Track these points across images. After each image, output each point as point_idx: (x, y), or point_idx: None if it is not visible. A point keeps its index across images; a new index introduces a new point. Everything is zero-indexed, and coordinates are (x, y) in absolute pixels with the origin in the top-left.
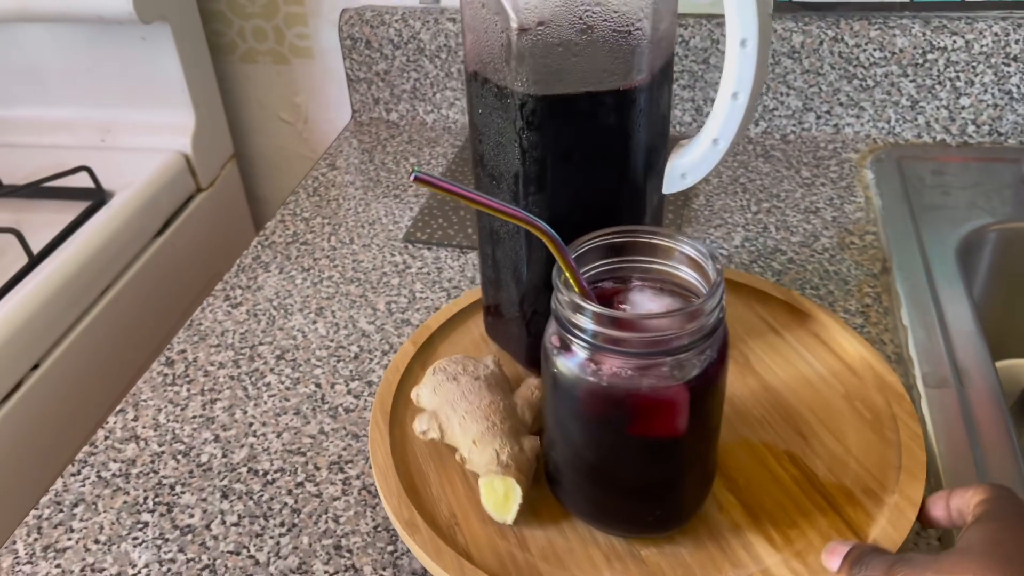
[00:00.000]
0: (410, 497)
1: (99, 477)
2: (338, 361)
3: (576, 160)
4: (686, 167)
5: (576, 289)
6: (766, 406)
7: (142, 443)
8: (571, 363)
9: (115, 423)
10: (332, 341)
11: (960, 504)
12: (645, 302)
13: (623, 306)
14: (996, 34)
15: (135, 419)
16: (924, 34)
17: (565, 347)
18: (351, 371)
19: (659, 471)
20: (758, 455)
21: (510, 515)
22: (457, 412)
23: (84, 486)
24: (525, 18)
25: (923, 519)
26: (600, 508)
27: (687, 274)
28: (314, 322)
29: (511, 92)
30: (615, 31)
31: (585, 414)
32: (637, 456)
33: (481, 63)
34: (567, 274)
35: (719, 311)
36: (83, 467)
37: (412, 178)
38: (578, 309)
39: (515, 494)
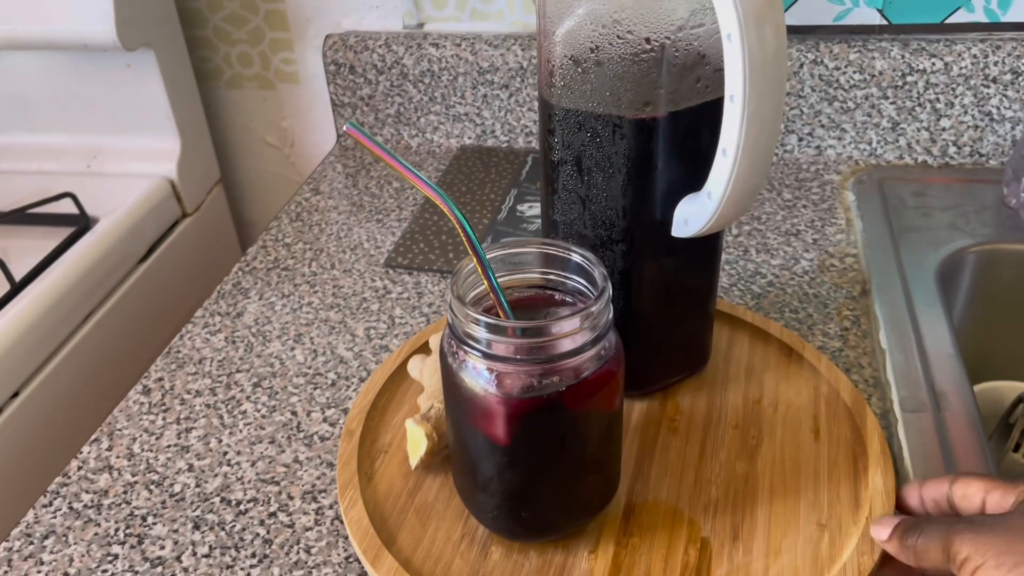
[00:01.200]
0: (377, 529)
1: (71, 508)
2: (315, 388)
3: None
4: (689, 214)
5: (484, 282)
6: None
7: (115, 473)
8: (463, 371)
9: (89, 453)
10: (310, 368)
11: (935, 495)
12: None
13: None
14: (975, 56)
15: (109, 448)
16: (903, 56)
17: (456, 353)
18: (327, 398)
19: (522, 477)
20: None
21: (414, 461)
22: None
23: (55, 518)
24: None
25: (899, 507)
26: (479, 506)
27: (579, 283)
28: (292, 349)
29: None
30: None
31: (471, 420)
32: (504, 458)
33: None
34: (475, 262)
35: (605, 319)
36: (55, 498)
37: (346, 128)
38: (468, 318)
39: (422, 445)
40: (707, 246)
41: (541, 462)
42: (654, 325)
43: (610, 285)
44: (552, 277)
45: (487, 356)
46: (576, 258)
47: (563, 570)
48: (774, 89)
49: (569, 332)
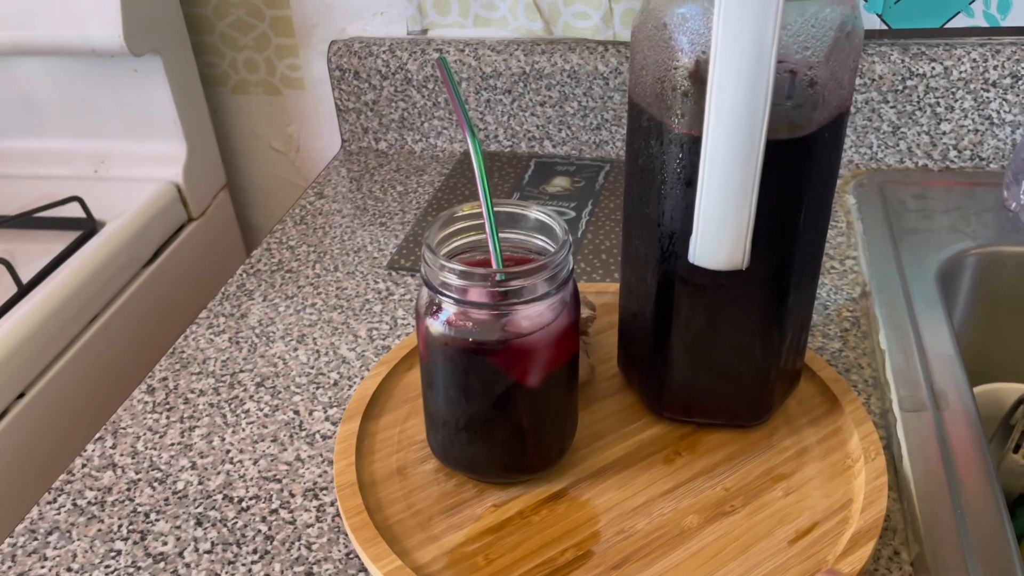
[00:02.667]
0: (375, 521)
1: (75, 505)
2: (317, 388)
3: None
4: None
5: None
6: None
7: (119, 471)
8: (438, 322)
9: (93, 451)
10: (312, 368)
11: None
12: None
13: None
14: (975, 60)
15: (113, 447)
16: (903, 61)
17: (434, 308)
18: (330, 398)
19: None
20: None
21: None
22: None
23: (59, 514)
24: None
25: None
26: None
27: (543, 240)
28: (295, 349)
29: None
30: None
31: (451, 366)
32: (495, 403)
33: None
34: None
35: (565, 269)
36: (59, 495)
37: (437, 60)
38: (442, 268)
39: None
40: (780, 289)
41: (559, 394)
42: (696, 357)
43: (570, 240)
44: (515, 236)
45: (458, 303)
46: (536, 215)
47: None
48: (742, 132)
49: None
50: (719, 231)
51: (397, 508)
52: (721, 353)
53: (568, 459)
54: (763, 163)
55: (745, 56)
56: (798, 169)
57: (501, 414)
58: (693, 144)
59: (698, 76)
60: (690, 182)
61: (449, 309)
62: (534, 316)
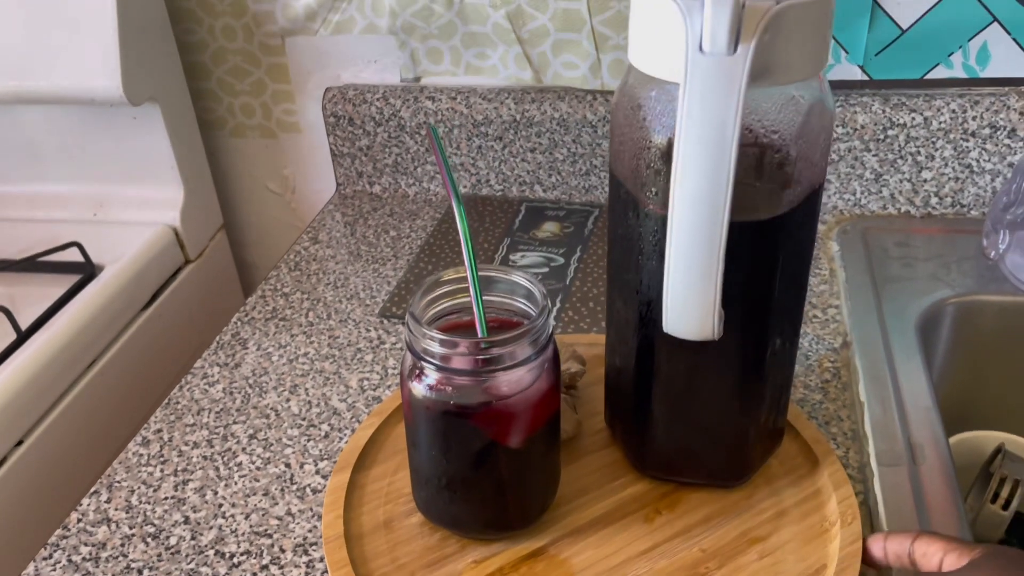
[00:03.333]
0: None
1: (69, 561)
2: (308, 440)
3: None
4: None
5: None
6: None
7: (113, 526)
8: (420, 386)
9: (88, 505)
10: (304, 420)
11: (898, 549)
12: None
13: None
14: (953, 111)
15: (108, 501)
16: (884, 111)
17: (417, 371)
18: (320, 450)
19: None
20: None
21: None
22: None
23: (55, 570)
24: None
25: (864, 557)
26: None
27: (524, 303)
28: (288, 400)
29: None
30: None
31: (433, 428)
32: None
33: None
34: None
35: (544, 334)
36: (55, 551)
37: (427, 127)
38: (424, 336)
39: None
40: (755, 356)
41: (539, 454)
42: (677, 417)
43: (549, 305)
44: (497, 299)
45: (440, 369)
46: (518, 280)
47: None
48: (704, 214)
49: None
50: (687, 305)
51: (382, 561)
52: (700, 414)
53: (551, 515)
54: (734, 241)
55: (707, 141)
56: (772, 246)
57: (482, 473)
58: (665, 221)
59: (670, 156)
60: (663, 256)
61: (431, 375)
62: (514, 380)
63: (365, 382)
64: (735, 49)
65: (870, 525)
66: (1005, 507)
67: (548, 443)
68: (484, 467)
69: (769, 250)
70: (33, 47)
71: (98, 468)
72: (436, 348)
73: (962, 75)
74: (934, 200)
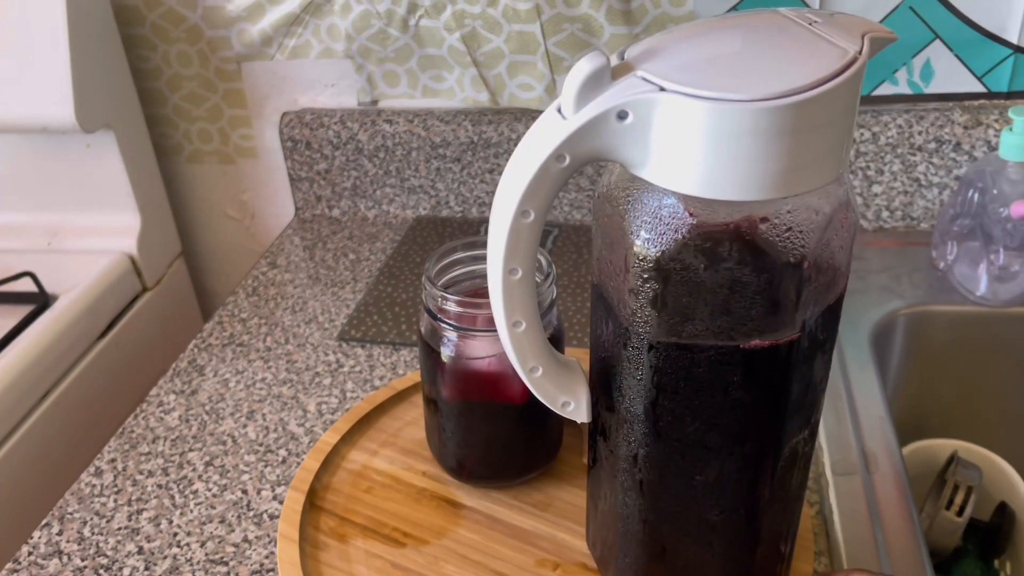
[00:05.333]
0: None
1: None
2: (266, 466)
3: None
4: None
5: None
6: None
7: (65, 558)
8: (445, 348)
9: (39, 538)
10: (261, 445)
11: None
12: None
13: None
14: (900, 126)
15: (60, 533)
16: None
17: (435, 333)
18: (278, 476)
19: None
20: None
21: None
22: None
23: None
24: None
25: None
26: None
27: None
28: (244, 426)
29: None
30: None
31: (453, 385)
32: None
33: None
34: None
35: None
36: None
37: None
38: (441, 299)
39: None
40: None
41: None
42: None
43: (554, 271)
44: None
45: (455, 328)
46: None
47: None
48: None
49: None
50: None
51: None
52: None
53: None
54: (747, 370)
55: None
56: (785, 372)
57: (492, 425)
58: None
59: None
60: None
61: (451, 335)
62: None
63: (323, 406)
64: (566, 116)
65: (826, 533)
66: (959, 513)
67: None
68: (493, 421)
69: (781, 378)
70: None
71: (52, 500)
72: (453, 308)
73: (907, 91)
74: (885, 214)
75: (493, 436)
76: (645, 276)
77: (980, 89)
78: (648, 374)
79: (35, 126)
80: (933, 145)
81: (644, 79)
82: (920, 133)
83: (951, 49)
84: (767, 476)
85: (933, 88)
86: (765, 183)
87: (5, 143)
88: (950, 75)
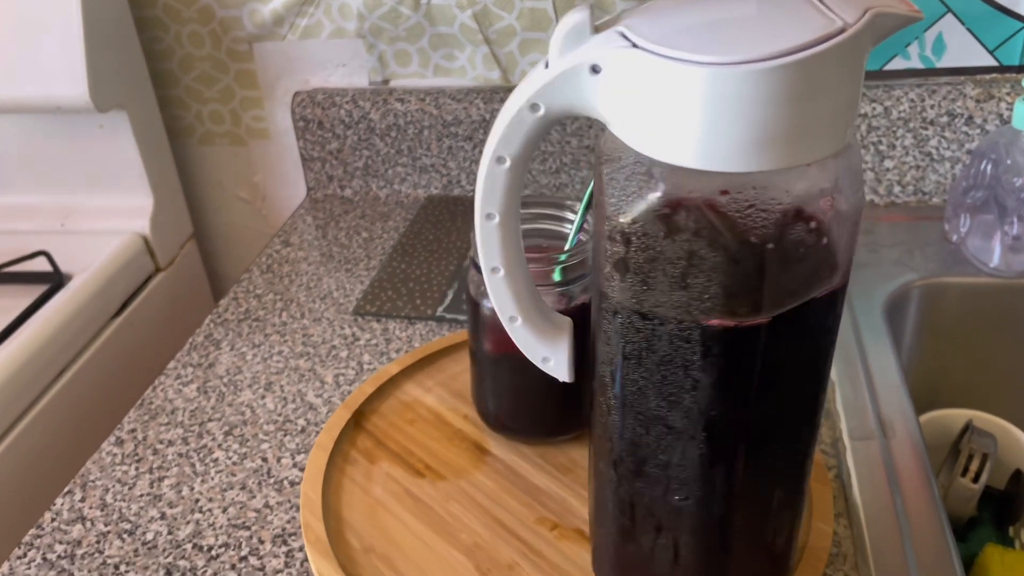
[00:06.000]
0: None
1: (44, 559)
2: (285, 435)
3: None
4: None
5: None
6: None
7: (88, 524)
8: (486, 301)
9: (62, 504)
10: (280, 415)
11: None
12: None
13: None
14: (912, 100)
15: (82, 500)
16: None
17: (479, 286)
18: (297, 444)
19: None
20: None
21: None
22: None
23: (30, 569)
24: None
25: None
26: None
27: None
28: (263, 397)
29: None
30: None
31: (491, 338)
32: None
33: None
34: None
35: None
36: (29, 550)
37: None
38: None
39: None
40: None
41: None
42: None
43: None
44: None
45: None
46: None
47: None
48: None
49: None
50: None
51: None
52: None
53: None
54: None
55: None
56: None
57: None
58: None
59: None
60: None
61: None
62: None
63: (340, 377)
64: (547, 65)
65: (844, 496)
66: (975, 480)
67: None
68: (526, 377)
69: (743, 364)
70: None
71: (71, 473)
72: None
73: (919, 66)
74: (897, 189)
75: (525, 392)
76: (611, 238)
77: (992, 63)
78: (615, 340)
79: (49, 105)
80: (945, 119)
81: (622, 34)
82: (932, 107)
83: (963, 23)
84: (735, 467)
85: (945, 62)
86: (725, 154)
87: (19, 124)
88: (962, 49)
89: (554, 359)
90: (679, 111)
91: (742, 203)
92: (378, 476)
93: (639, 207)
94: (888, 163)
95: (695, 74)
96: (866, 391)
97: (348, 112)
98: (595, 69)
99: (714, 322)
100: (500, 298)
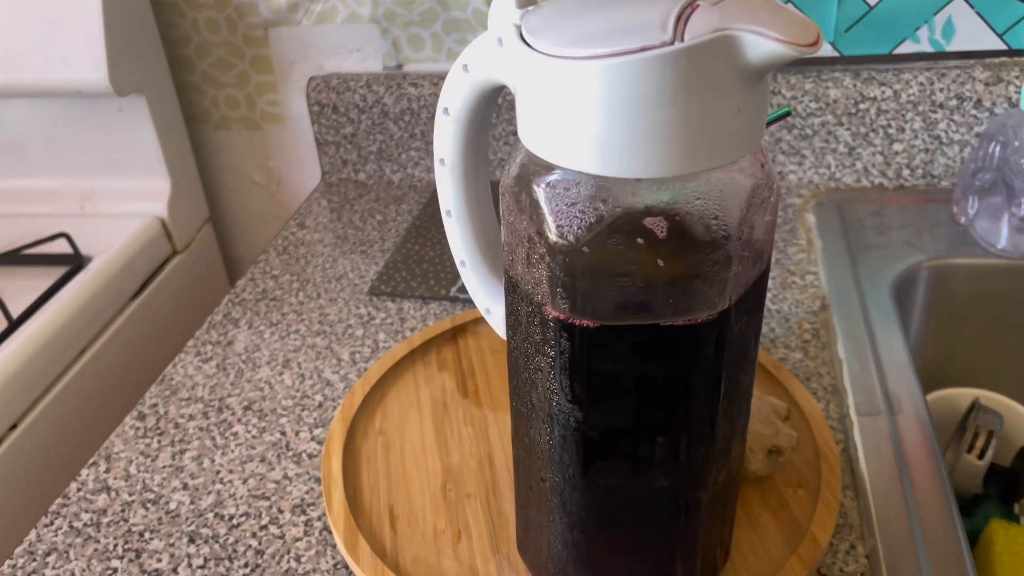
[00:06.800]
0: (358, 523)
1: (71, 527)
2: (303, 410)
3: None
4: None
5: None
6: None
7: (113, 494)
8: None
9: (87, 475)
10: (297, 391)
11: None
12: None
13: None
14: (921, 83)
15: (107, 471)
16: (855, 85)
17: None
18: (315, 419)
19: None
20: None
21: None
22: None
23: (56, 536)
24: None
25: None
26: None
27: None
28: (280, 374)
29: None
30: None
31: None
32: None
33: None
34: None
35: None
36: (56, 518)
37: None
38: None
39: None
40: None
41: None
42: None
43: None
44: None
45: None
46: None
47: None
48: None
49: None
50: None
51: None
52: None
53: None
54: (669, 349)
55: None
56: (717, 347)
57: None
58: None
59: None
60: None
61: None
62: None
63: (356, 355)
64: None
65: (851, 470)
66: (981, 456)
67: None
68: None
69: (712, 353)
70: (19, 41)
71: (91, 450)
72: None
73: (929, 49)
74: (906, 172)
75: None
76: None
77: (1001, 46)
78: (510, 313)
79: (70, 89)
80: (954, 102)
81: (521, 15)
82: (941, 91)
83: (972, 6)
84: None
85: (954, 46)
86: (573, 151)
87: (40, 109)
88: (971, 32)
89: (495, 312)
90: (538, 101)
91: (713, 203)
92: (436, 382)
93: (592, 228)
94: (897, 146)
95: (536, 61)
96: (873, 368)
97: (362, 97)
98: (500, 42)
99: (553, 313)
100: (452, 240)
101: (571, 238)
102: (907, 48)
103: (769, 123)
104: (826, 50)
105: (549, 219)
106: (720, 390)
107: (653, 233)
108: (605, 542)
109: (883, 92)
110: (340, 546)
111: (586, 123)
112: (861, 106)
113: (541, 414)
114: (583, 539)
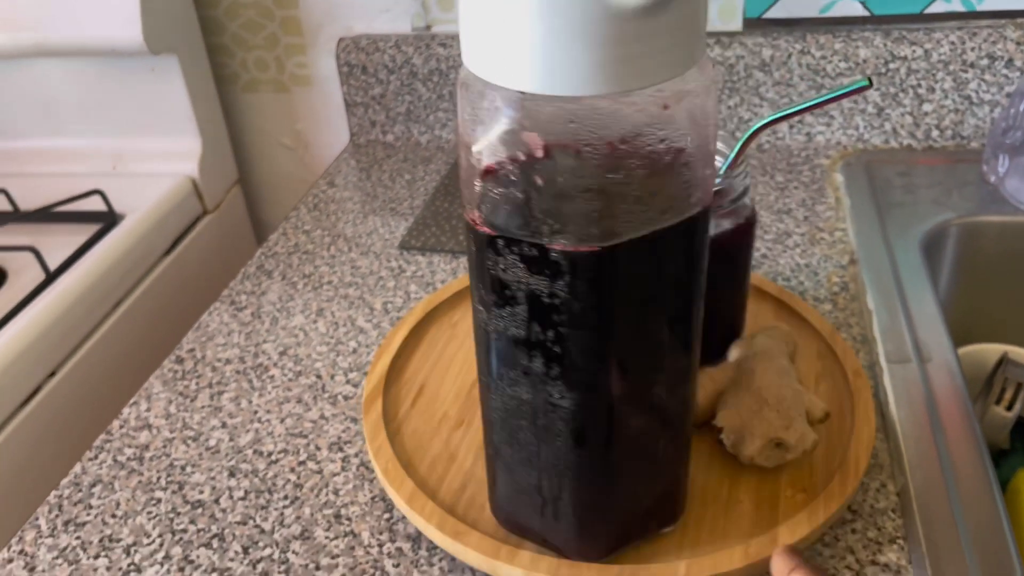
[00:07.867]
0: (399, 457)
1: (115, 461)
2: (337, 355)
3: None
4: None
5: None
6: None
7: (154, 431)
8: None
9: (129, 414)
10: (332, 338)
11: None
12: None
13: None
14: (952, 43)
15: (148, 410)
16: (885, 45)
17: None
18: (349, 363)
19: None
20: None
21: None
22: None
23: (101, 468)
24: None
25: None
26: None
27: None
28: (315, 322)
29: None
30: None
31: None
32: None
33: None
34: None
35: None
36: (100, 452)
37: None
38: None
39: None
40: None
41: None
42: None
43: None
44: None
45: None
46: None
47: None
48: None
49: None
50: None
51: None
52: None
53: None
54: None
55: None
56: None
57: None
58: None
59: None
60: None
61: None
62: None
63: (388, 305)
64: None
65: (881, 414)
66: (1009, 408)
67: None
68: None
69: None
70: (54, 0)
71: (127, 395)
72: None
73: (960, 9)
74: (935, 133)
75: None
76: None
77: None
78: (476, 267)
79: (104, 47)
80: (985, 62)
81: None
82: (972, 50)
83: None
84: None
85: (986, 6)
86: (562, 76)
87: (71, 68)
88: None
89: None
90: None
91: (586, 130)
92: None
93: (489, 133)
94: (927, 107)
95: None
96: (903, 319)
97: (391, 57)
98: None
99: (556, 247)
100: None
101: (476, 148)
102: (938, 7)
103: (846, 94)
104: (856, 9)
105: (464, 123)
106: (611, 321)
107: (531, 150)
108: (517, 454)
109: (913, 52)
110: (363, 400)
111: (483, 29)
112: (891, 66)
113: (474, 318)
114: (501, 445)
